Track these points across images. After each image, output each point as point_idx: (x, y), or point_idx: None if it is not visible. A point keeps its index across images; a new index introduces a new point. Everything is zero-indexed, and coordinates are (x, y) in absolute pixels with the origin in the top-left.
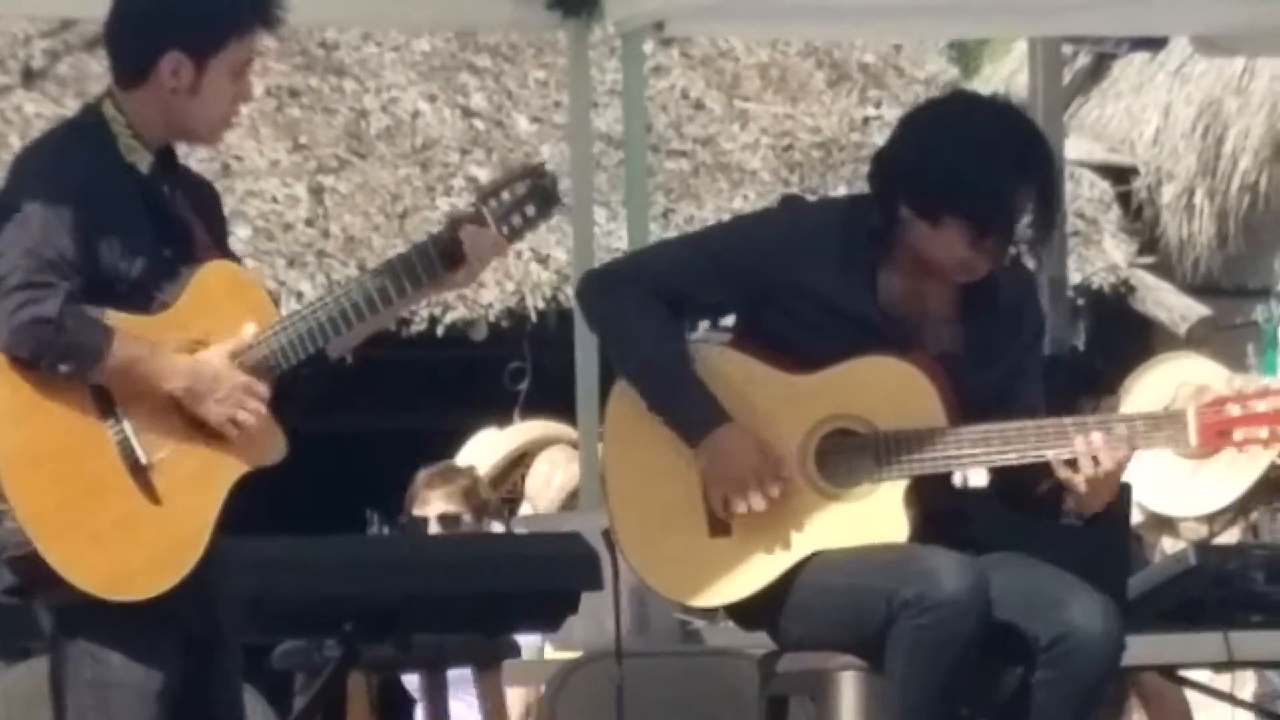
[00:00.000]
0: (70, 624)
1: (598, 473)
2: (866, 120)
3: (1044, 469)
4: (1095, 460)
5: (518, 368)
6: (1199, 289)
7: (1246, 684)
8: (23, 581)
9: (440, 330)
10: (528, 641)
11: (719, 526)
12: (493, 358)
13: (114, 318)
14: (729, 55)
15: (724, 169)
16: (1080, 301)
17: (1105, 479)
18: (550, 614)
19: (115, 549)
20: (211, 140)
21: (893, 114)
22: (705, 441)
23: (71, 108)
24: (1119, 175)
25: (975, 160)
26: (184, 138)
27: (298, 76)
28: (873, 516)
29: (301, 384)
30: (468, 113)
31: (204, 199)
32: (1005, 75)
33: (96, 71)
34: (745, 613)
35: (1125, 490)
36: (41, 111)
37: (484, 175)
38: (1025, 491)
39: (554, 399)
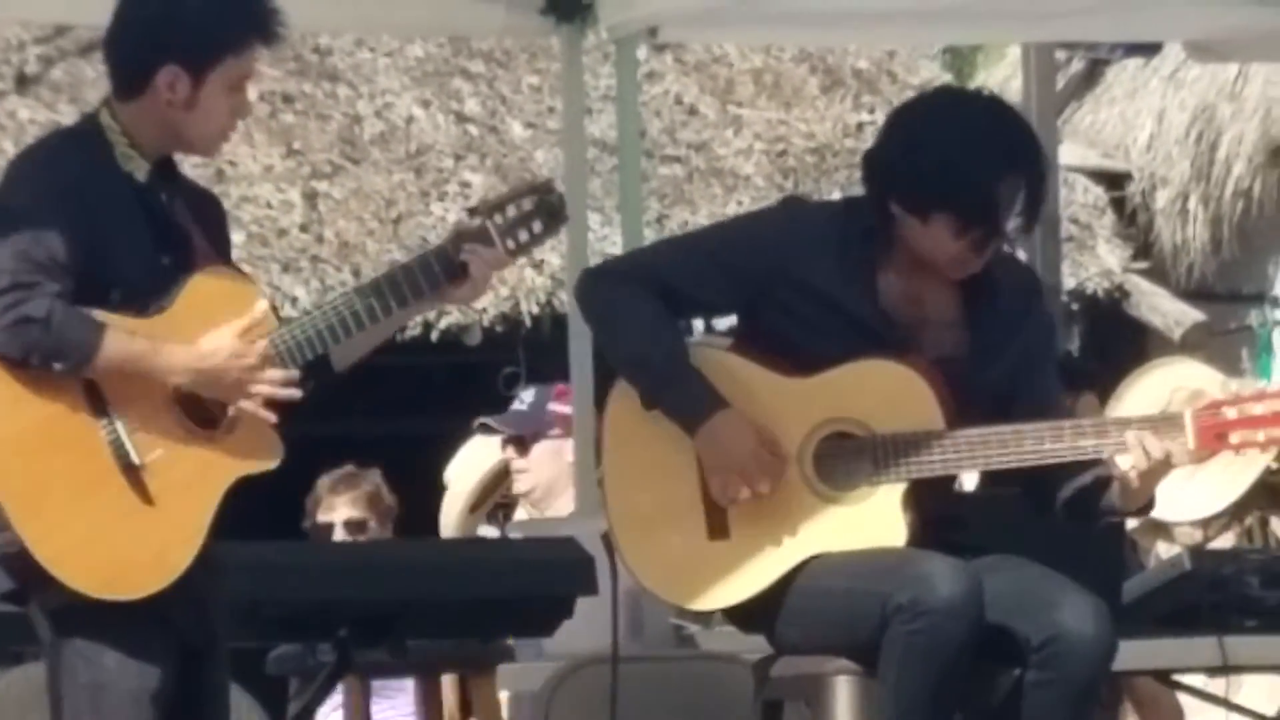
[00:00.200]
0: (65, 626)
1: (596, 477)
2: (860, 126)
3: (1075, 467)
4: (1145, 451)
5: (512, 373)
6: (1193, 294)
7: (1240, 689)
8: (15, 581)
9: (435, 335)
10: (522, 646)
11: (718, 529)
12: (487, 363)
13: (107, 318)
14: (723, 61)
15: (718, 174)
16: (1075, 307)
17: (1155, 469)
18: (545, 619)
19: (105, 548)
20: (208, 153)
21: None
22: (704, 428)
23: (66, 113)
24: (1113, 181)
25: (960, 153)
26: (180, 149)
27: (291, 82)
28: (871, 520)
29: (307, 393)
30: (461, 118)
31: (205, 209)
32: (999, 81)
33: (91, 77)
34: (745, 615)
35: None
36: (35, 117)
37: (478, 181)
38: (1054, 492)
39: None
